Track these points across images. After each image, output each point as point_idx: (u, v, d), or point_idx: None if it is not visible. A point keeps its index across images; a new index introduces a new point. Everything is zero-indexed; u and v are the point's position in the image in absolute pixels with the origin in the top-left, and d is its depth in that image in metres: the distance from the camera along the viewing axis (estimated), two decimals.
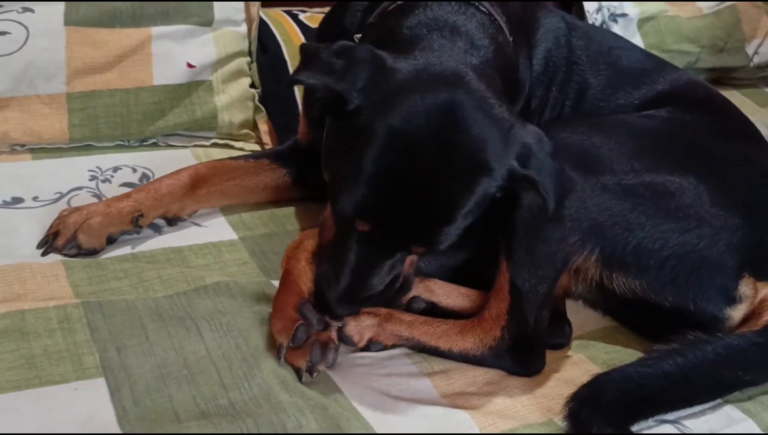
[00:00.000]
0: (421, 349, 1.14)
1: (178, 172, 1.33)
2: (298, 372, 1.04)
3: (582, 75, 1.38)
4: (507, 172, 1.01)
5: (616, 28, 2.16)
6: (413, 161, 0.99)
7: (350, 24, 1.31)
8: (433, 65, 1.04)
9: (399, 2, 1.20)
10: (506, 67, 1.17)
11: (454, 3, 1.16)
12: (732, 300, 1.16)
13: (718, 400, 1.11)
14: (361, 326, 1.12)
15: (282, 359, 1.05)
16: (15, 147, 1.47)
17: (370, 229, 1.02)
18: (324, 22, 1.44)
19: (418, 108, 0.99)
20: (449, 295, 1.21)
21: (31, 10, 1.46)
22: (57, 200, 1.35)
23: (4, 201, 1.33)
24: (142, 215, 1.27)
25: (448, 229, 1.02)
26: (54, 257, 1.22)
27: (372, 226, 1.02)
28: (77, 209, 1.26)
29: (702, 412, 1.10)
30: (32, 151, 1.47)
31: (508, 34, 1.23)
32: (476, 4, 1.19)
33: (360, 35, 1.24)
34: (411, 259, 1.12)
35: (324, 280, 1.07)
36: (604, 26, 2.15)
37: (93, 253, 1.23)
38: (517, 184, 1.04)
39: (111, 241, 1.26)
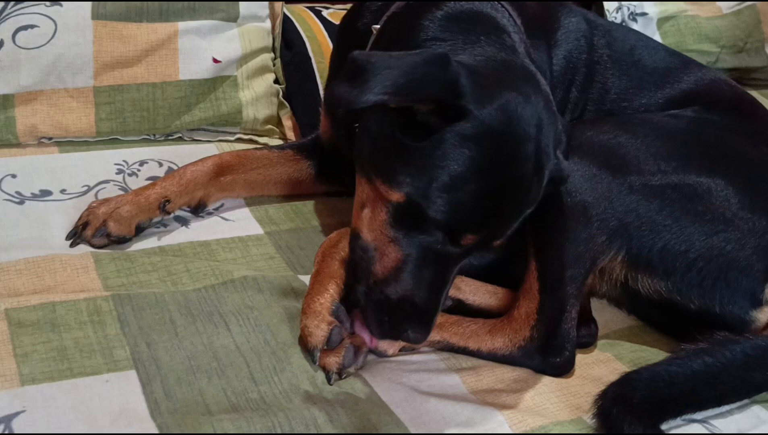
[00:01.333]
0: (451, 349, 1.14)
1: (203, 159, 1.34)
2: (327, 373, 1.04)
3: (604, 75, 1.38)
4: (556, 166, 1.05)
5: (636, 28, 2.15)
6: (518, 166, 0.98)
7: (362, 26, 1.29)
8: (509, 63, 1.04)
9: (409, 2, 1.18)
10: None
11: (473, 2, 1.15)
12: (758, 302, 1.16)
13: (746, 401, 1.11)
14: None
15: (317, 362, 1.04)
16: (42, 140, 1.48)
17: (474, 241, 0.99)
18: (342, 25, 1.42)
19: (522, 113, 0.98)
20: (476, 292, 1.21)
21: (59, 4, 1.46)
22: (85, 193, 1.36)
23: (32, 193, 1.34)
24: (168, 201, 1.28)
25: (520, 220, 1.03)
26: (84, 249, 1.23)
27: (481, 236, 1.00)
28: (106, 200, 1.27)
29: (730, 412, 1.10)
30: (59, 144, 1.48)
31: (523, 32, 1.22)
32: (493, 2, 1.19)
33: (372, 39, 1.21)
34: None
35: (392, 308, 1.00)
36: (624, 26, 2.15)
37: (123, 241, 1.24)
38: (558, 173, 1.06)
39: (140, 229, 1.27)
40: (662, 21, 2.17)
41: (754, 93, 2.20)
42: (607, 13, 2.16)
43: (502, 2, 1.20)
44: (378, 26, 1.22)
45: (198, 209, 1.34)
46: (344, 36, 1.38)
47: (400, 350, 1.12)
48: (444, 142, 0.96)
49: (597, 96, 1.36)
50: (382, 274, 1.01)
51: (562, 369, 1.12)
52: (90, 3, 1.48)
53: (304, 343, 1.08)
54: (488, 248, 1.05)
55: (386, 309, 1.01)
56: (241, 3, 1.59)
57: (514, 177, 0.99)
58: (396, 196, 0.99)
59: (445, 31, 1.10)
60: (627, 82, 1.37)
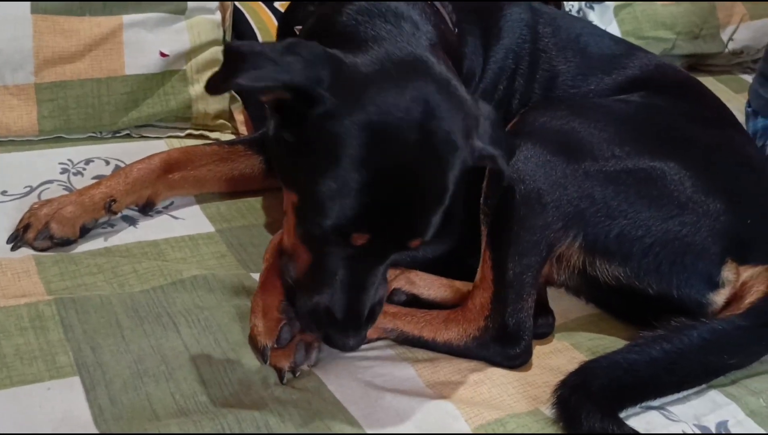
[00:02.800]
0: (405, 340, 1.12)
1: (150, 156, 1.30)
2: (280, 372, 1.02)
3: (550, 62, 1.37)
4: (473, 151, 1.00)
5: (593, 15, 2.16)
6: (401, 157, 0.93)
7: (299, 22, 1.24)
8: (393, 53, 0.99)
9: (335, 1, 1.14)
10: (449, 52, 1.13)
11: None
12: (715, 285, 1.16)
13: (703, 386, 1.11)
14: None
15: (267, 362, 1.02)
16: None
17: (368, 240, 0.95)
18: (279, 24, 1.39)
19: (395, 100, 0.94)
20: (431, 286, 1.19)
21: None
22: (27, 194, 1.31)
23: None
24: (114, 201, 1.24)
25: (439, 214, 0.98)
26: (25, 252, 1.19)
27: (372, 235, 0.95)
28: (48, 201, 1.23)
29: (687, 398, 1.10)
30: (0, 143, 1.43)
31: (450, 23, 1.21)
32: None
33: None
34: None
35: (318, 316, 0.98)
36: (581, 13, 2.15)
37: (66, 243, 1.20)
38: (481, 160, 1.02)
39: (85, 231, 1.23)
40: (619, 8, 2.19)
41: (711, 79, 2.24)
42: (564, 2, 2.16)
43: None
44: (300, 27, 1.19)
45: (146, 208, 1.30)
46: (281, 36, 1.35)
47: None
48: (308, 135, 0.94)
49: (544, 82, 1.35)
50: (301, 280, 1.01)
51: (520, 360, 1.11)
52: None
53: (254, 342, 1.05)
54: (407, 247, 0.99)
55: (312, 314, 0.99)
56: None
57: (395, 167, 0.93)
58: (292, 197, 0.99)
59: (348, 26, 1.06)
60: (574, 68, 1.37)
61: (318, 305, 0.98)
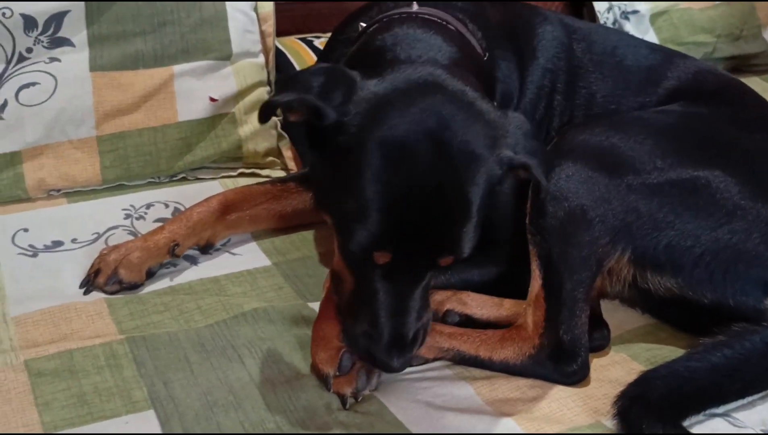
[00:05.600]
0: (462, 359, 1.14)
1: (208, 199, 1.36)
2: (342, 398, 1.04)
3: (587, 79, 1.38)
4: (500, 160, 0.99)
5: (629, 26, 2.16)
6: (414, 169, 0.93)
7: (336, 59, 1.30)
8: (406, 71, 1.01)
9: (368, 31, 1.20)
10: (478, 76, 1.15)
11: (418, 21, 1.16)
12: None
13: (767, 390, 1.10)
14: None
15: (331, 390, 1.05)
16: (51, 192, 1.51)
17: (392, 259, 0.95)
18: (318, 58, 1.46)
19: (404, 114, 0.95)
20: (483, 306, 1.21)
21: (58, 60, 1.50)
22: (95, 240, 1.39)
23: (45, 245, 1.37)
24: (177, 245, 1.30)
25: (467, 229, 0.96)
26: (97, 296, 1.25)
27: (393, 253, 0.95)
28: (116, 247, 1.30)
29: (752, 404, 1.09)
30: (67, 195, 1.51)
31: (479, 48, 1.23)
32: (440, 21, 1.18)
33: None
34: None
35: (363, 339, 1.00)
36: (616, 25, 2.15)
37: (134, 287, 1.26)
38: (513, 171, 1.02)
39: (150, 274, 1.29)
40: (655, 17, 2.18)
41: (755, 79, 2.20)
42: (598, 14, 2.17)
43: (451, 21, 1.20)
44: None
45: (206, 248, 1.36)
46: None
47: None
48: (329, 156, 0.98)
49: (583, 101, 1.36)
50: (346, 303, 1.03)
51: (577, 376, 1.11)
52: (87, 56, 1.52)
53: (316, 370, 1.08)
54: (437, 265, 0.99)
55: (357, 337, 1.01)
56: (233, 40, 1.62)
57: (410, 181, 0.92)
58: (328, 220, 1.03)
59: (375, 54, 1.11)
60: (612, 84, 1.37)
61: (361, 327, 1.00)
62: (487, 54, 1.25)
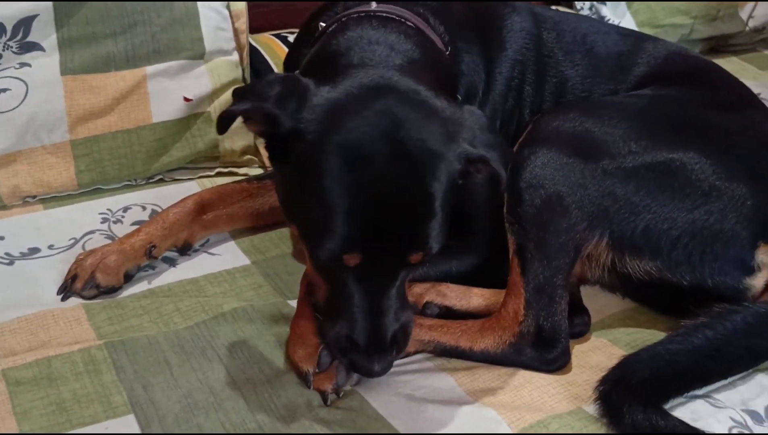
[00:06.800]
0: (443, 351, 1.14)
1: (183, 200, 1.36)
2: (323, 395, 1.05)
3: (557, 68, 1.38)
4: (458, 155, 0.99)
5: (606, 11, 2.16)
6: (373, 170, 0.94)
7: (299, 61, 1.29)
8: (358, 74, 1.02)
9: (326, 32, 1.20)
10: (439, 70, 1.15)
11: (374, 20, 1.16)
12: (750, 270, 1.15)
13: (749, 370, 1.10)
14: None
15: (311, 387, 1.05)
16: (27, 199, 1.50)
17: (362, 260, 0.95)
18: (284, 62, 1.45)
19: (358, 118, 0.96)
20: (462, 297, 1.21)
21: (28, 65, 1.48)
22: (72, 246, 1.38)
23: (21, 253, 1.36)
24: (154, 246, 1.30)
25: (433, 224, 0.97)
26: (75, 301, 1.25)
27: (363, 253, 0.95)
28: (92, 251, 1.29)
29: (733, 384, 1.09)
30: (43, 200, 1.50)
31: (441, 43, 1.22)
32: (398, 18, 1.18)
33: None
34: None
35: (342, 344, 1.00)
36: (593, 10, 2.15)
37: (112, 291, 1.25)
38: (472, 164, 1.01)
39: (128, 277, 1.28)
40: (631, 0, 2.18)
41: (734, 59, 2.21)
42: (576, 2, 2.17)
43: (409, 17, 1.19)
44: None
45: (184, 249, 1.35)
46: (287, 68, 1.41)
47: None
48: (289, 165, 0.99)
49: (554, 90, 1.36)
50: (323, 308, 1.04)
51: (558, 363, 1.11)
52: (57, 59, 1.50)
53: (296, 368, 1.08)
54: (408, 263, 0.99)
55: (336, 342, 1.01)
56: (206, 39, 1.60)
57: (369, 183, 0.93)
58: (294, 229, 1.04)
59: (330, 57, 1.12)
60: (582, 72, 1.37)
61: (339, 333, 1.00)
62: (449, 48, 1.24)
